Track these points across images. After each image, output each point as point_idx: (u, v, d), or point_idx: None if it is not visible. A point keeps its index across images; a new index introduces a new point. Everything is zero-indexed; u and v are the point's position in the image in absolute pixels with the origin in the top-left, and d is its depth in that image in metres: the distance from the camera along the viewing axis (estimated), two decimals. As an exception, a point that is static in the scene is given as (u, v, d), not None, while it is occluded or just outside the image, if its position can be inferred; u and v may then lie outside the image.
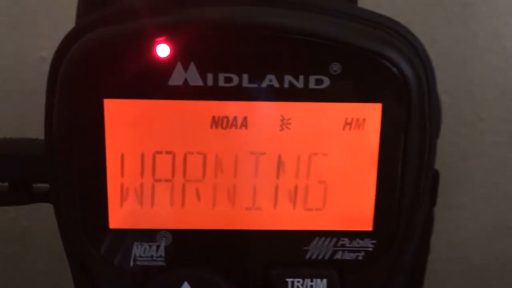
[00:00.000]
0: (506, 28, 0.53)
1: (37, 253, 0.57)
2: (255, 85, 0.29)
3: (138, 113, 0.29)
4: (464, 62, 0.54)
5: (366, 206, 0.31)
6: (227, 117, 0.29)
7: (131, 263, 0.31)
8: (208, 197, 0.31)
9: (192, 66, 0.28)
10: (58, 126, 0.29)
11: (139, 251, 0.31)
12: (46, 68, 0.29)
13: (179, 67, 0.28)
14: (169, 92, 0.29)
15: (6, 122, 0.52)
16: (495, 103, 0.55)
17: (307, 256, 0.31)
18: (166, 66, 0.28)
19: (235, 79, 0.28)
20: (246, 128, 0.30)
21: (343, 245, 0.31)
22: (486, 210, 0.59)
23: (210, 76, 0.28)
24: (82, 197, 0.30)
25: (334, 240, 0.31)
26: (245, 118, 0.29)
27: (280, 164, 0.30)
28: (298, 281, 0.31)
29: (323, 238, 0.31)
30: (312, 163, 0.30)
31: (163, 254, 0.31)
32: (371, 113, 0.29)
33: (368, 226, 0.31)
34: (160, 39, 0.28)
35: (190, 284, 0.31)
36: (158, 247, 0.31)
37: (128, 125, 0.29)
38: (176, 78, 0.28)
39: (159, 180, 0.30)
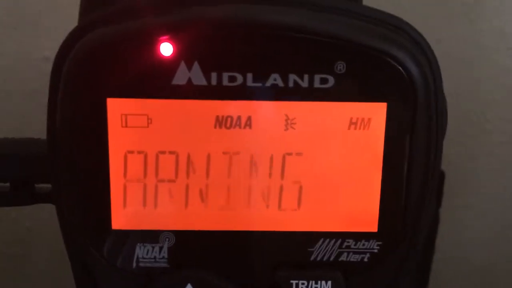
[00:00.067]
0: (512, 28, 0.53)
1: (39, 254, 0.57)
2: (259, 84, 0.28)
3: (141, 113, 0.29)
4: (470, 62, 0.54)
5: (371, 207, 0.30)
6: (231, 117, 0.29)
7: (134, 265, 0.31)
8: (212, 198, 0.30)
9: (196, 65, 0.28)
10: (60, 126, 0.29)
11: (142, 252, 0.31)
12: (48, 67, 0.29)
13: (182, 66, 0.28)
14: (173, 92, 0.28)
15: (7, 122, 0.52)
16: (501, 104, 0.55)
17: (312, 258, 0.31)
18: (170, 65, 0.28)
19: (239, 78, 0.28)
20: (250, 127, 0.29)
21: (348, 247, 0.31)
22: (493, 210, 0.59)
23: (214, 75, 0.28)
24: (85, 197, 0.30)
25: (339, 241, 0.31)
26: (249, 118, 0.29)
27: (284, 164, 0.30)
28: (303, 283, 0.31)
29: (328, 240, 0.31)
30: (317, 163, 0.30)
31: (166, 256, 0.31)
32: (376, 113, 0.29)
33: (373, 228, 0.31)
34: (164, 38, 0.28)
35: (193, 285, 0.31)
36: (161, 248, 0.31)
37: (131, 125, 0.29)
38: (180, 77, 0.28)
39: (162, 181, 0.30)
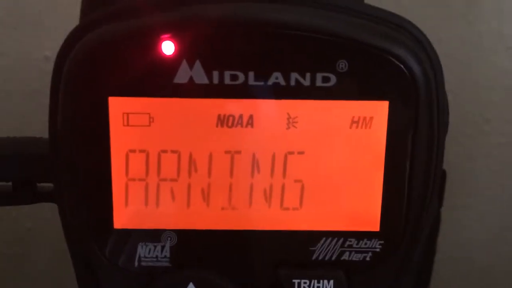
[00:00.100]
0: (511, 29, 0.53)
1: (40, 254, 0.57)
2: (261, 83, 0.28)
3: (143, 111, 0.29)
4: (469, 62, 0.54)
5: (373, 206, 0.30)
6: (233, 116, 0.29)
7: (136, 264, 0.31)
8: (214, 197, 0.30)
9: (197, 64, 0.28)
10: (62, 125, 0.29)
11: (144, 252, 0.31)
12: (49, 67, 0.29)
13: (184, 65, 0.28)
14: (174, 90, 0.28)
15: (7, 122, 0.52)
16: (500, 104, 0.55)
17: (314, 257, 0.31)
18: (171, 64, 0.28)
19: (241, 77, 0.28)
20: (252, 126, 0.29)
21: (350, 246, 0.31)
22: (492, 211, 0.59)
23: (215, 74, 0.28)
24: (86, 196, 0.30)
25: (341, 240, 0.31)
26: (251, 117, 0.29)
27: (286, 163, 0.30)
28: (305, 282, 0.31)
29: (330, 239, 0.31)
30: (319, 161, 0.30)
31: (168, 255, 0.31)
32: (378, 111, 0.29)
33: (375, 227, 0.31)
34: (165, 36, 0.28)
35: (195, 285, 0.31)
36: (163, 247, 0.31)
37: (132, 124, 0.29)
38: (182, 76, 0.28)
39: (164, 180, 0.30)
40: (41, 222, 0.56)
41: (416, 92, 0.28)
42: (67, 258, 0.32)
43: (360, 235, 0.31)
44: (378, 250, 0.31)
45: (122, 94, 0.28)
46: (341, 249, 0.31)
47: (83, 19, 0.32)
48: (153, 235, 0.30)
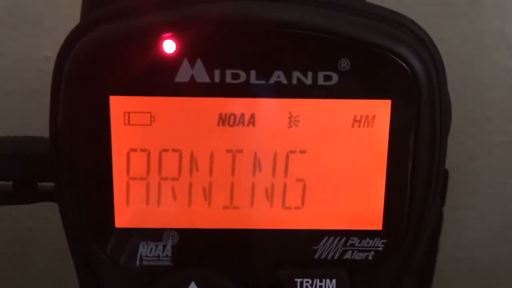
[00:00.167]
0: (513, 27, 0.53)
1: (40, 254, 0.57)
2: (262, 82, 0.28)
3: (144, 110, 0.29)
4: (471, 61, 0.54)
5: (376, 205, 0.30)
6: (234, 114, 0.29)
7: (137, 263, 0.31)
8: (215, 196, 0.30)
9: (199, 63, 0.28)
10: (63, 124, 0.29)
11: (145, 251, 0.31)
12: (49, 67, 0.29)
13: (185, 63, 0.28)
14: (176, 89, 0.28)
15: (7, 122, 0.52)
16: (502, 103, 0.55)
17: (316, 256, 0.31)
18: (173, 63, 0.28)
19: (243, 76, 0.28)
20: (254, 125, 0.29)
21: (352, 245, 0.31)
22: (493, 210, 0.59)
23: (217, 73, 0.28)
24: (88, 196, 0.30)
25: (344, 239, 0.31)
26: (252, 115, 0.29)
27: (288, 161, 0.30)
28: (307, 281, 0.31)
29: (332, 238, 0.31)
30: (320, 160, 0.30)
31: (169, 254, 0.31)
32: (380, 110, 0.29)
33: (378, 226, 0.31)
34: (167, 35, 0.27)
35: (197, 284, 0.31)
36: (164, 246, 0.31)
37: (134, 123, 0.29)
38: (183, 75, 0.28)
39: (165, 179, 0.30)
40: (41, 222, 0.56)
41: (418, 91, 0.28)
42: (68, 258, 0.32)
43: (362, 234, 0.31)
44: (380, 249, 0.31)
45: (123, 93, 0.28)
46: (343, 248, 0.31)
47: (83, 18, 0.32)
48: (155, 234, 0.30)
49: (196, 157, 0.30)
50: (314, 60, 0.28)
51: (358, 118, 0.29)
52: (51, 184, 0.32)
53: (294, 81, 0.28)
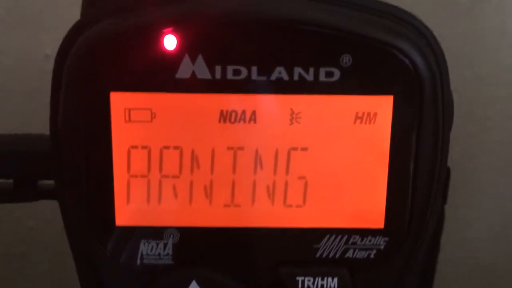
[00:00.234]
0: (514, 25, 0.52)
1: (42, 255, 0.57)
2: (264, 78, 0.28)
3: (144, 107, 0.28)
4: (472, 60, 0.53)
5: (378, 203, 0.30)
6: (235, 111, 0.29)
7: (138, 262, 0.30)
8: (216, 194, 0.30)
9: (200, 59, 0.28)
10: (63, 122, 0.29)
11: (146, 249, 0.30)
12: (49, 66, 0.29)
13: (186, 59, 0.28)
14: (177, 85, 0.28)
15: (8, 121, 0.52)
16: (503, 101, 0.55)
17: (318, 255, 0.31)
18: (173, 59, 0.28)
19: (244, 72, 0.28)
20: (255, 122, 0.29)
21: (354, 243, 0.31)
22: (494, 209, 0.58)
23: (218, 69, 0.28)
24: (88, 193, 0.29)
25: (345, 238, 0.31)
26: (253, 112, 0.29)
27: (289, 159, 0.29)
28: (309, 280, 0.31)
29: (334, 236, 0.31)
30: (322, 158, 0.29)
31: (170, 252, 0.30)
32: (382, 106, 0.29)
33: (380, 224, 0.30)
34: (168, 31, 0.27)
35: (198, 283, 0.31)
36: (165, 245, 0.30)
37: (134, 119, 0.29)
38: (184, 71, 0.28)
39: (166, 176, 0.30)
40: (43, 222, 0.55)
41: (421, 87, 0.28)
42: (69, 258, 0.32)
43: (364, 232, 0.30)
44: (382, 247, 0.31)
45: (124, 89, 0.28)
46: (345, 246, 0.31)
47: (83, 15, 0.32)
48: (156, 233, 0.30)
49: (197, 155, 0.29)
50: (315, 56, 0.28)
51: (360, 114, 0.29)
52: (51, 182, 0.32)
53: (296, 77, 0.28)
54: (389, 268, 0.31)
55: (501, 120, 0.55)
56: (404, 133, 0.29)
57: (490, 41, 0.53)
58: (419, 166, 0.29)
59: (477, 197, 0.58)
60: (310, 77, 0.28)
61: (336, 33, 0.28)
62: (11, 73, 0.52)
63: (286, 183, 0.30)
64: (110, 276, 0.31)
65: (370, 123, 0.29)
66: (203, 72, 0.28)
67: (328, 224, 0.30)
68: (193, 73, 0.28)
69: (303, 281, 0.31)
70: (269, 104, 0.29)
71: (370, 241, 0.31)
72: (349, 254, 0.31)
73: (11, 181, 0.33)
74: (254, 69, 0.28)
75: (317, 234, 0.31)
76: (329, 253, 0.31)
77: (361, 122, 0.29)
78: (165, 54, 0.27)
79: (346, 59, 0.28)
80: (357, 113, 0.29)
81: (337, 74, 0.28)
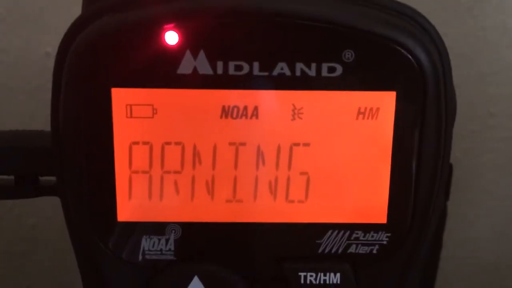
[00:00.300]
0: (516, 22, 0.52)
1: (43, 252, 0.57)
2: (266, 74, 0.28)
3: (146, 103, 0.28)
4: (473, 57, 0.53)
5: (380, 198, 0.30)
6: (237, 107, 0.29)
7: (140, 257, 0.30)
8: (218, 189, 0.30)
9: (201, 54, 0.28)
10: (64, 117, 0.29)
11: (148, 245, 0.30)
12: (50, 64, 0.29)
13: (188, 55, 0.28)
14: (178, 81, 0.28)
15: (8, 120, 0.52)
16: (505, 98, 0.55)
17: (320, 250, 0.31)
18: (175, 54, 0.28)
19: (246, 67, 0.28)
20: (257, 118, 0.29)
21: (357, 238, 0.31)
22: (496, 208, 0.58)
23: (220, 64, 0.28)
24: (90, 189, 0.29)
25: (348, 233, 0.30)
26: (255, 108, 0.29)
27: (291, 154, 0.29)
28: (311, 275, 0.31)
29: (336, 231, 0.30)
30: (324, 153, 0.29)
31: (172, 248, 0.30)
32: (385, 102, 0.29)
33: (382, 219, 0.30)
34: (169, 26, 0.27)
35: (200, 278, 0.30)
36: (167, 240, 0.30)
37: (136, 115, 0.29)
38: (185, 67, 0.28)
39: (168, 172, 0.30)
40: (43, 220, 0.55)
41: (424, 83, 0.28)
42: (71, 255, 0.32)
43: (367, 228, 0.30)
44: (385, 242, 0.31)
45: (125, 85, 0.28)
46: (347, 241, 0.31)
47: (84, 11, 0.32)
48: (157, 228, 0.30)
49: (199, 150, 0.29)
50: (318, 52, 0.28)
51: (362, 110, 0.29)
52: (53, 178, 0.32)
53: (298, 73, 0.28)
54: (391, 264, 0.31)
55: (503, 118, 0.55)
56: (406, 129, 0.29)
57: (491, 39, 0.53)
58: (421, 162, 0.29)
59: (479, 195, 0.58)
60: (312, 72, 0.28)
61: (339, 29, 0.27)
62: (12, 71, 0.52)
63: (288, 179, 0.30)
64: (112, 272, 0.31)
65: (372, 118, 0.29)
66: (204, 67, 0.28)
67: (330, 220, 0.30)
68: (195, 69, 0.28)
69: (305, 277, 0.31)
70: (271, 100, 0.29)
71: (372, 236, 0.31)
72: (352, 249, 0.31)
73: (12, 177, 0.33)
74: (256, 64, 0.28)
75: (320, 229, 0.30)
76: (332, 248, 0.31)
77: (363, 118, 0.29)
78: (166, 49, 0.27)
79: (349, 55, 0.28)
80: (359, 109, 0.29)
81: (339, 69, 0.28)
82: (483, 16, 0.52)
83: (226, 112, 0.29)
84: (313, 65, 0.28)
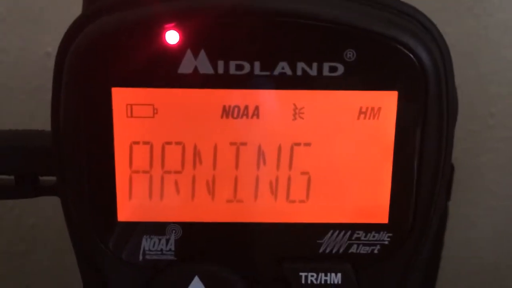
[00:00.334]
0: (517, 22, 0.52)
1: (43, 252, 0.57)
2: (267, 73, 0.28)
3: (146, 102, 0.28)
4: (474, 56, 0.53)
5: (382, 198, 0.30)
6: (238, 106, 0.29)
7: (140, 257, 0.30)
8: (219, 189, 0.30)
9: (202, 54, 0.28)
10: (64, 117, 0.29)
11: (149, 245, 0.30)
12: (50, 64, 0.29)
13: (189, 54, 0.28)
14: (179, 81, 0.28)
15: (9, 119, 0.51)
16: (505, 98, 0.55)
17: (321, 250, 0.31)
18: (176, 54, 0.27)
19: (247, 67, 0.28)
20: (258, 117, 0.29)
21: (358, 238, 0.30)
22: (497, 208, 0.58)
23: (220, 64, 0.28)
24: (90, 189, 0.29)
25: (349, 233, 0.30)
26: (256, 107, 0.29)
27: (292, 154, 0.29)
28: (312, 276, 0.31)
29: (337, 231, 0.30)
30: (325, 153, 0.29)
31: (173, 248, 0.30)
32: (386, 102, 0.29)
33: (384, 219, 0.30)
34: (170, 25, 0.27)
35: (200, 278, 0.30)
36: (167, 240, 0.30)
37: (136, 115, 0.28)
38: (186, 66, 0.28)
39: (168, 172, 0.29)
40: (43, 219, 0.55)
41: (426, 82, 0.28)
42: (70, 255, 0.31)
43: (368, 228, 0.30)
44: (386, 242, 0.30)
45: (126, 85, 0.28)
46: (348, 241, 0.30)
47: (84, 10, 0.32)
48: (158, 228, 0.30)
49: (200, 150, 0.29)
50: (319, 51, 0.28)
51: (363, 110, 0.29)
52: (53, 178, 0.31)
53: (299, 72, 0.28)
54: (393, 264, 0.31)
55: (504, 117, 0.55)
56: (408, 129, 0.29)
57: (493, 37, 0.53)
58: (423, 161, 0.29)
59: (479, 195, 0.58)
60: (313, 72, 0.28)
61: (340, 28, 0.27)
62: (12, 71, 0.52)
63: (289, 179, 0.30)
64: (112, 272, 0.31)
65: (374, 118, 0.29)
66: (205, 67, 0.28)
67: (331, 219, 0.30)
68: (196, 68, 0.28)
69: (306, 277, 0.31)
70: (272, 99, 0.29)
71: (374, 236, 0.30)
72: (353, 249, 0.31)
73: (12, 177, 0.33)
74: (257, 64, 0.28)
75: (321, 229, 0.30)
76: (333, 248, 0.31)
77: (365, 118, 0.29)
78: (167, 49, 0.27)
79: (350, 54, 0.28)
80: (361, 108, 0.29)
81: (341, 69, 0.28)
82: (484, 15, 0.52)
83: (227, 112, 0.29)
84: (315, 65, 0.28)
